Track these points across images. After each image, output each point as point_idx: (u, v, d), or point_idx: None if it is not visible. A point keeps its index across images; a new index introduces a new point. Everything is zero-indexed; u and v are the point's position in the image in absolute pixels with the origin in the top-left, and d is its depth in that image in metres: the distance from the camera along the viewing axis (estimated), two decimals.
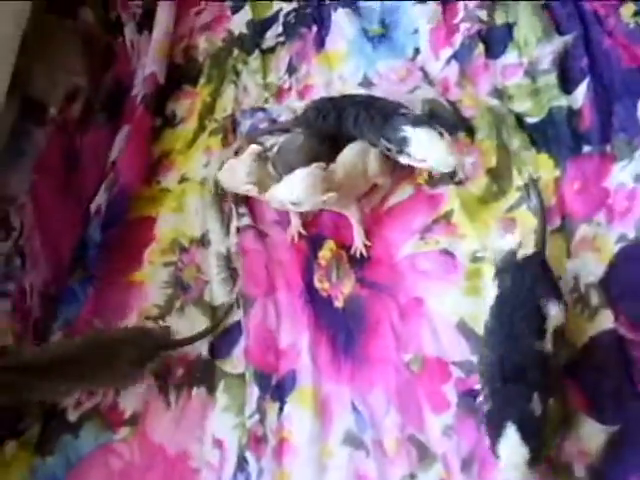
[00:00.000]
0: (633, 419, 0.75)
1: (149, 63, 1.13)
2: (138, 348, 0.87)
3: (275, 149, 0.99)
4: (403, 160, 0.94)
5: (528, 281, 0.77)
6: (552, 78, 0.98)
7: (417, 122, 0.92)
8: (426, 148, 0.91)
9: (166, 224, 1.01)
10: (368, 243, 0.94)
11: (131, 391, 0.88)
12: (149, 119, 1.09)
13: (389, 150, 0.94)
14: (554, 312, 0.75)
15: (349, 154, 0.96)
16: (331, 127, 0.98)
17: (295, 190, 0.90)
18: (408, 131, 0.91)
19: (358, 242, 0.94)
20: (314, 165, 0.92)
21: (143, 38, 1.20)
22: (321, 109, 0.99)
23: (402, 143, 0.91)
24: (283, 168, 0.96)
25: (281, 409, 0.85)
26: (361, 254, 0.94)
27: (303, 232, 0.96)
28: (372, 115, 0.95)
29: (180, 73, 1.17)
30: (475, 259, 0.89)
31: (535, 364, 0.72)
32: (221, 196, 1.02)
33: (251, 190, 0.96)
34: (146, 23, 1.21)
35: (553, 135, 0.95)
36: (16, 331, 0.94)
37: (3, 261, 0.99)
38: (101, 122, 1.12)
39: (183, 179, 1.05)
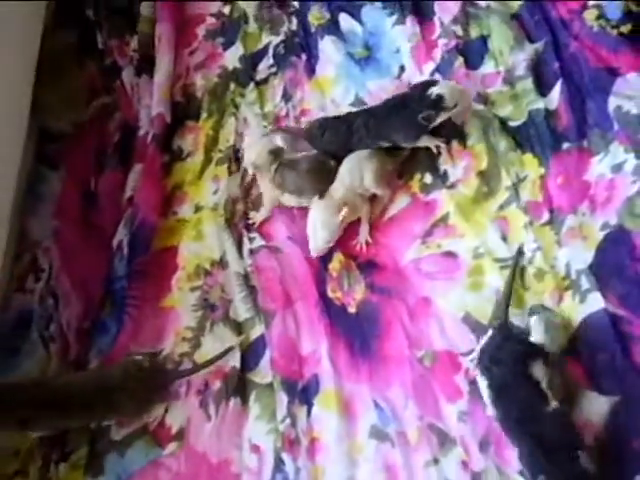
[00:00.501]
0: (630, 388, 0.83)
1: (155, 104, 1.21)
2: (141, 383, 0.95)
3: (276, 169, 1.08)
4: (441, 118, 1.02)
5: (508, 363, 0.82)
6: (528, 83, 1.06)
7: (432, 82, 1.03)
8: (454, 92, 1.01)
9: (188, 252, 1.09)
10: (369, 240, 1.03)
11: (176, 408, 0.97)
12: (160, 156, 1.18)
13: (427, 119, 1.02)
14: (540, 371, 0.81)
15: (345, 170, 1.05)
16: (338, 142, 1.07)
17: (319, 236, 1.01)
18: (436, 89, 1.01)
19: (362, 237, 1.04)
20: (321, 204, 1.02)
21: (143, 81, 1.27)
22: (325, 125, 1.07)
23: (438, 101, 1.01)
24: (285, 186, 1.07)
25: (309, 412, 0.93)
26: (368, 261, 1.02)
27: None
28: (383, 115, 1.04)
29: (181, 110, 1.25)
30: (476, 255, 0.97)
31: (557, 427, 0.78)
32: (232, 221, 1.10)
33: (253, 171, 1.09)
34: (144, 66, 1.28)
35: (535, 136, 1.04)
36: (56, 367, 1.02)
37: (37, 301, 1.07)
38: (113, 165, 1.20)
39: (197, 208, 1.13)
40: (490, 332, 0.88)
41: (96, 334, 1.05)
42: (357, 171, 1.04)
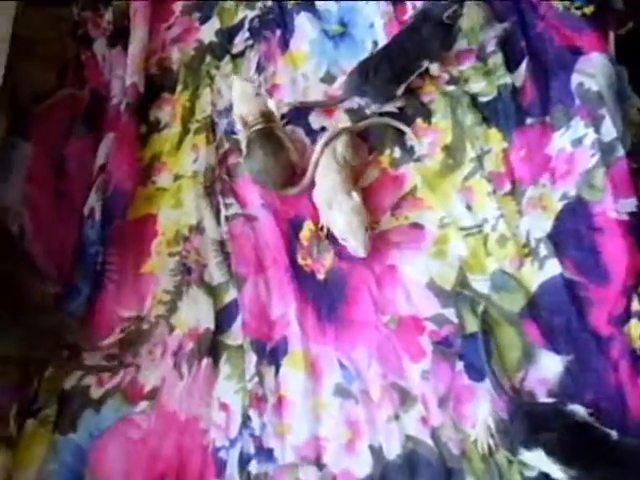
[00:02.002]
0: (583, 348, 0.89)
1: (129, 75, 1.24)
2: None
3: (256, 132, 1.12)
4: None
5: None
6: (498, 58, 1.13)
7: None
8: None
9: (167, 219, 1.13)
10: None
11: (150, 368, 1.00)
12: (134, 125, 1.21)
13: (452, 17, 1.10)
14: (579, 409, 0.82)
15: (316, 155, 1.09)
16: (384, 77, 1.11)
17: (361, 234, 1.01)
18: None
19: None
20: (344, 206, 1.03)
21: (116, 52, 1.30)
22: (365, 68, 1.12)
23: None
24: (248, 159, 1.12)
25: (277, 371, 0.97)
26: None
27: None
28: (412, 34, 1.12)
29: (157, 83, 1.28)
30: (442, 225, 1.03)
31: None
32: (211, 187, 1.14)
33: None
34: (118, 38, 1.31)
35: (501, 110, 1.10)
36: None
37: None
38: (81, 131, 1.23)
39: (177, 177, 1.17)
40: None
41: (68, 298, 1.07)
42: (332, 150, 1.09)
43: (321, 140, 1.10)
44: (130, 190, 1.15)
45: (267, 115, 1.12)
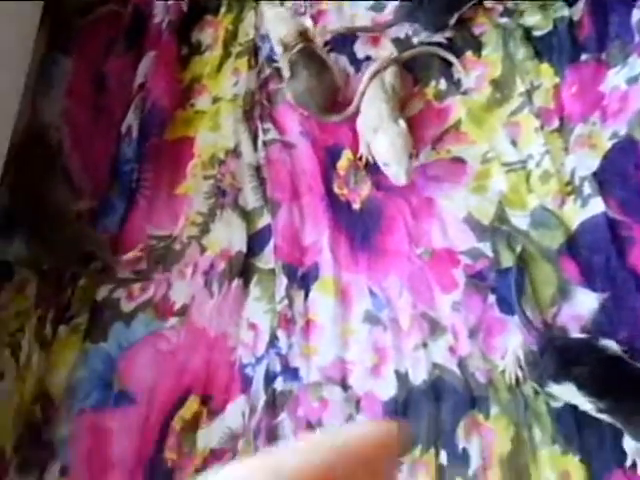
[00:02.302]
0: (621, 286, 0.88)
1: None
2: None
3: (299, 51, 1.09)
4: None
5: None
6: None
7: None
8: None
9: (204, 142, 1.12)
10: None
11: (181, 286, 1.01)
12: (175, 44, 1.20)
13: None
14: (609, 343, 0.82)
15: (371, 90, 1.06)
16: (442, 2, 1.09)
17: (405, 161, 0.98)
18: None
19: None
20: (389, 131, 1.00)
21: None
22: None
23: None
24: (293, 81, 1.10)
25: (306, 295, 0.98)
26: (376, 162, 1.04)
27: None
28: None
29: (201, 4, 1.27)
30: (485, 160, 1.01)
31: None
32: (250, 112, 1.13)
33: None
34: None
35: (556, 45, 1.06)
36: None
37: None
38: (122, 49, 1.22)
39: (216, 100, 1.16)
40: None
41: (103, 214, 1.09)
42: (379, 80, 1.06)
43: (370, 69, 1.07)
44: (168, 109, 1.14)
45: (306, 34, 1.10)
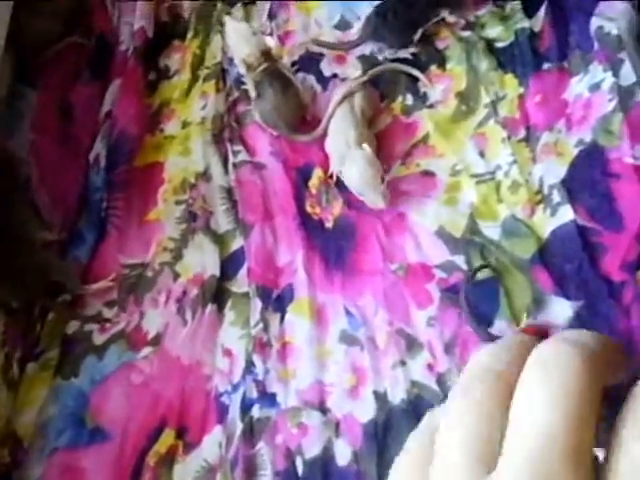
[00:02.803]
0: (594, 293, 0.85)
1: (137, 19, 1.20)
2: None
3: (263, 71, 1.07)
4: None
5: None
6: (517, 4, 1.07)
7: None
8: None
9: (175, 167, 1.09)
10: None
11: (154, 315, 0.97)
12: (141, 70, 1.17)
13: None
14: None
15: (332, 106, 1.03)
16: (405, 18, 1.07)
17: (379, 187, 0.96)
18: None
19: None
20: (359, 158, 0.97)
21: None
22: (381, 12, 1.07)
23: None
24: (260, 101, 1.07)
25: (282, 318, 0.95)
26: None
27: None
28: None
29: (168, 30, 1.24)
30: (454, 173, 0.98)
31: None
32: (219, 135, 1.10)
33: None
34: None
35: (518, 56, 1.04)
36: None
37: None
38: (87, 78, 1.19)
39: (185, 124, 1.13)
40: None
41: (72, 245, 1.05)
42: (348, 103, 1.04)
43: (339, 91, 1.05)
44: (136, 135, 1.11)
45: (269, 54, 1.08)
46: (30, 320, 0.98)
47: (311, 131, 1.06)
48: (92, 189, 1.08)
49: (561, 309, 0.85)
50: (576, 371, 0.28)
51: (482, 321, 0.86)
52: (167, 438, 0.89)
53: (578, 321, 0.84)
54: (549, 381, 0.29)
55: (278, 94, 1.05)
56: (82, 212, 1.07)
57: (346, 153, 0.99)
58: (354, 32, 1.13)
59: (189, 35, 1.22)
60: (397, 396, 0.85)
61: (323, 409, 0.87)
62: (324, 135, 1.04)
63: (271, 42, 1.10)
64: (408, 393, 0.85)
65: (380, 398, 0.86)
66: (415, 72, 1.07)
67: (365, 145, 0.99)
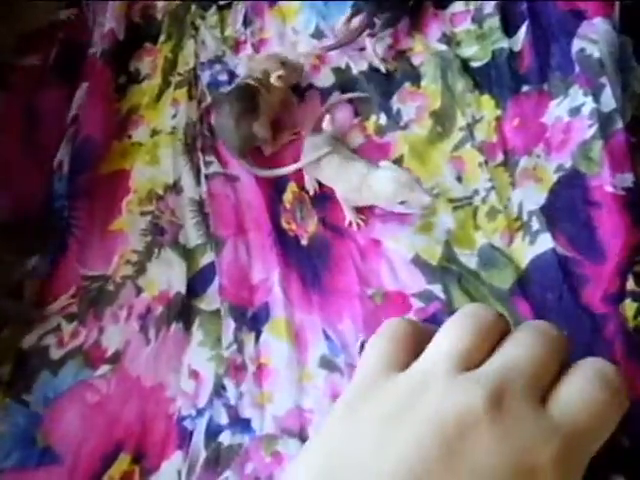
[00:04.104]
0: (576, 326, 0.78)
1: (108, 21, 1.08)
2: None
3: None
4: None
5: None
6: (495, 21, 0.98)
7: None
8: None
9: (142, 176, 0.97)
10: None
11: (114, 331, 0.87)
12: (109, 73, 1.05)
13: None
14: None
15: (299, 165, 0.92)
16: None
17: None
18: None
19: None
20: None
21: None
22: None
23: None
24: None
25: (257, 338, 0.85)
26: (322, 196, 0.93)
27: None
28: None
29: (140, 32, 1.13)
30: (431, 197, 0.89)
31: None
32: (192, 144, 0.99)
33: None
34: None
35: (495, 77, 0.96)
36: None
37: None
38: (55, 81, 1.06)
39: (154, 132, 1.01)
40: None
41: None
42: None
43: (308, 156, 0.92)
44: (101, 142, 0.99)
45: (293, 67, 0.97)
46: None
47: (272, 166, 0.95)
48: (55, 197, 0.96)
49: None
50: (552, 338, 0.55)
51: None
52: (122, 463, 0.78)
53: None
54: (533, 335, 0.54)
55: (233, 115, 0.93)
56: (45, 220, 0.95)
57: (362, 183, 0.87)
58: (329, 40, 1.04)
59: (161, 38, 1.11)
60: None
61: (302, 437, 0.77)
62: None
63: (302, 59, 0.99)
64: None
65: None
66: (357, 95, 0.97)
67: (383, 162, 0.88)
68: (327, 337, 0.83)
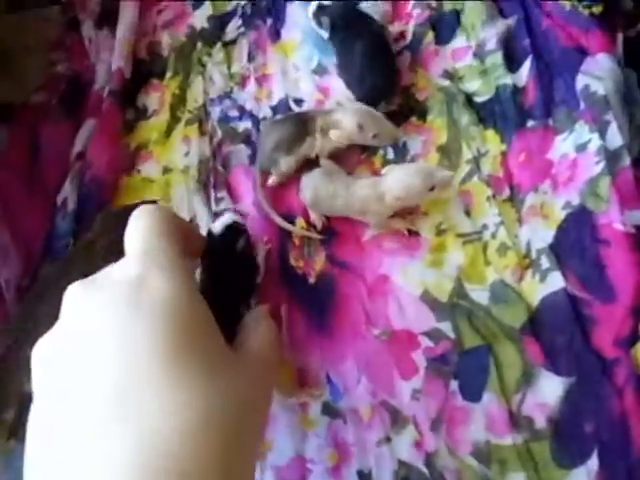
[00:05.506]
0: (586, 370, 0.72)
1: (115, 59, 1.04)
2: None
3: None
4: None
5: None
6: (498, 57, 0.93)
7: None
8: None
9: None
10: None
11: None
12: (118, 112, 1.01)
13: None
14: None
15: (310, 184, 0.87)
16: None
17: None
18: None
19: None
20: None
21: (102, 34, 1.09)
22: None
23: None
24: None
25: None
26: (330, 232, 0.88)
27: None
28: None
29: (146, 68, 1.08)
30: (439, 232, 0.84)
31: None
32: (206, 181, 0.94)
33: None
34: (105, 21, 1.10)
35: (500, 112, 0.91)
36: None
37: None
38: (58, 116, 1.02)
39: (166, 170, 0.97)
40: None
41: None
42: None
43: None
44: (110, 180, 0.95)
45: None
46: None
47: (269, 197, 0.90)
48: (58, 234, 0.91)
49: (551, 386, 0.72)
50: None
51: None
52: None
53: (568, 401, 0.71)
54: None
55: (279, 134, 0.87)
56: (45, 258, 0.91)
57: (371, 198, 0.82)
58: (332, 76, 0.98)
59: (168, 74, 1.06)
60: (383, 478, 0.71)
61: None
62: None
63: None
64: (395, 474, 0.71)
65: (365, 479, 0.71)
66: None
67: (386, 169, 0.83)
68: (329, 380, 0.78)
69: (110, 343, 0.39)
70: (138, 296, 0.39)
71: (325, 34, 0.98)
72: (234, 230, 0.72)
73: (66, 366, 0.41)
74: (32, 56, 1.07)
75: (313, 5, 0.98)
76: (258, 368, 0.46)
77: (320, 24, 0.98)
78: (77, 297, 0.43)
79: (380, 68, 0.92)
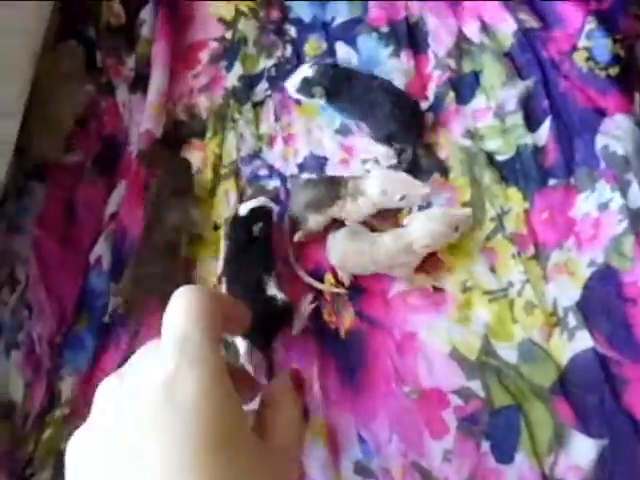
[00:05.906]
0: (618, 432, 0.71)
1: (144, 121, 1.06)
2: None
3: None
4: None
5: None
6: (518, 118, 0.95)
7: None
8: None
9: (206, 269, 0.94)
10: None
11: None
12: (144, 173, 1.02)
13: None
14: None
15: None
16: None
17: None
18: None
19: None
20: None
21: (136, 98, 1.12)
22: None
23: None
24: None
25: None
26: (357, 288, 0.88)
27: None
28: None
29: (186, 129, 1.10)
30: (465, 289, 0.85)
31: None
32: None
33: None
34: (139, 84, 1.14)
35: (521, 170, 0.92)
36: (28, 381, 0.87)
37: (10, 313, 0.93)
38: (93, 176, 1.04)
39: (217, 226, 0.98)
40: None
41: (69, 349, 0.90)
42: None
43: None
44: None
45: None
46: (20, 439, 0.81)
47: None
48: (93, 293, 0.93)
49: (584, 448, 0.71)
50: None
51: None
52: None
53: (601, 465, 0.70)
54: None
55: (311, 192, 0.90)
56: (81, 315, 0.92)
57: (393, 249, 0.84)
58: (356, 137, 1.01)
59: (208, 134, 1.08)
60: None
61: None
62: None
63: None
64: None
65: None
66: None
67: (407, 219, 0.85)
68: (361, 439, 0.78)
69: (150, 450, 0.39)
70: (170, 400, 0.39)
71: (321, 102, 1.01)
72: (258, 214, 0.87)
73: (103, 465, 0.41)
74: (65, 88, 1.09)
75: (294, 81, 0.99)
76: (282, 457, 0.47)
77: (312, 96, 1.00)
78: (113, 395, 0.43)
79: (405, 104, 0.95)
